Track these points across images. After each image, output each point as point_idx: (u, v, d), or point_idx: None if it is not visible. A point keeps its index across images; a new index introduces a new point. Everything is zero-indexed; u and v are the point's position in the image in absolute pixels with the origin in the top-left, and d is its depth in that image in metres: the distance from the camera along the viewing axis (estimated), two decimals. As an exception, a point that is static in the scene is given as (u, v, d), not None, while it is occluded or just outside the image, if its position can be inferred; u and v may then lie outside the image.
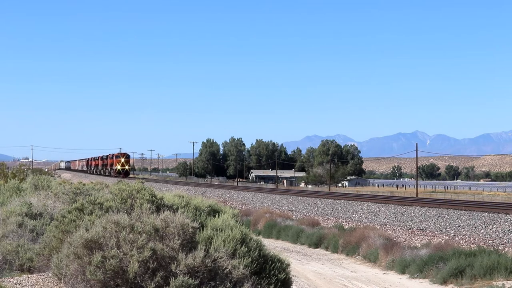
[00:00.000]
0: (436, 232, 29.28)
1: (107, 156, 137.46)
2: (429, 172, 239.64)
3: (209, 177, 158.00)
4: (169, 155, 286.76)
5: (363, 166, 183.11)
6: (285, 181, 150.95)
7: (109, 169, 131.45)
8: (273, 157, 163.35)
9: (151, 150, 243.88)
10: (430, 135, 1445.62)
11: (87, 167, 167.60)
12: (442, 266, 19.88)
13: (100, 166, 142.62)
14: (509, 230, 26.68)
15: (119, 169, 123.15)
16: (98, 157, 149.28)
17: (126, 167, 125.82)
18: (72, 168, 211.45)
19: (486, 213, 29.93)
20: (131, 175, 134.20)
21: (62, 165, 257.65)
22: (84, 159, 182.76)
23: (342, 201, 43.20)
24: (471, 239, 26.64)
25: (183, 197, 13.63)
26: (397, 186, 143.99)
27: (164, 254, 10.65)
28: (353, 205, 40.23)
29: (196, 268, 10.57)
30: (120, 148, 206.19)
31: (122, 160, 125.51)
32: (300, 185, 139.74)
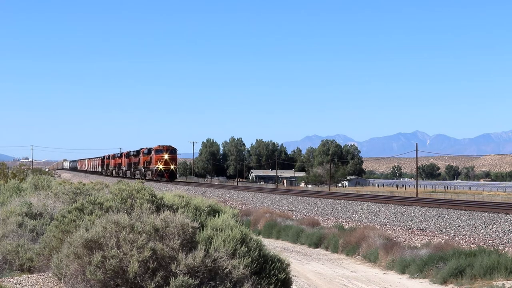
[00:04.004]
0: (436, 232, 29.26)
1: (137, 151, 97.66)
2: (429, 172, 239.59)
3: (209, 177, 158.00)
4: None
5: (363, 166, 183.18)
6: (285, 181, 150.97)
7: (142, 169, 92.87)
8: (273, 157, 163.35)
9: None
10: (430, 135, 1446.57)
11: (102, 167, 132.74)
12: (442, 266, 19.88)
13: (125, 165, 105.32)
14: (509, 230, 26.67)
15: (161, 170, 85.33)
16: (122, 154, 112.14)
17: (172, 166, 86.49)
18: (79, 169, 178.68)
19: (486, 213, 29.90)
20: (178, 179, 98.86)
21: (66, 164, 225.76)
22: (97, 158, 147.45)
23: (342, 201, 43.17)
24: (471, 239, 26.63)
25: (183, 197, 13.62)
26: (397, 186, 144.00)
27: (164, 254, 10.65)
28: (353, 205, 40.21)
29: (196, 268, 10.57)
30: (120, 148, 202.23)
31: (166, 156, 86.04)
32: (300, 185, 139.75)
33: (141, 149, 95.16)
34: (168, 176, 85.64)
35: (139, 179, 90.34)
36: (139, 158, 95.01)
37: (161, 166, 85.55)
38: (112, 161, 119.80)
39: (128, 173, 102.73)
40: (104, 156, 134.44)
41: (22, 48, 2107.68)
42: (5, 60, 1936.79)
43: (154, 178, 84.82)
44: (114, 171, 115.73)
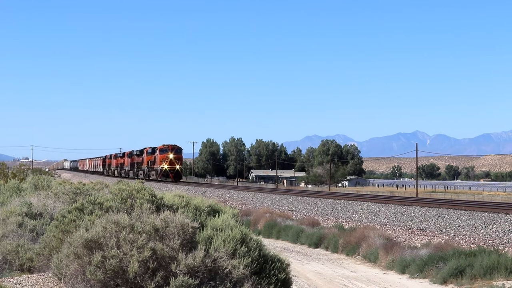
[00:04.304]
0: (436, 232, 29.26)
1: (141, 151, 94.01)
2: (429, 172, 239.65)
3: (209, 177, 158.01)
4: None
5: (363, 166, 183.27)
6: (285, 181, 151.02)
7: (146, 169, 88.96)
8: (273, 157, 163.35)
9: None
10: (430, 135, 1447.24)
11: (103, 167, 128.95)
12: (442, 266, 19.88)
13: (128, 165, 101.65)
14: (509, 230, 26.67)
15: (166, 170, 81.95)
16: (124, 154, 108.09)
17: (177, 166, 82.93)
18: (80, 169, 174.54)
19: (486, 213, 29.90)
20: (183, 180, 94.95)
21: (67, 164, 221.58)
22: (99, 158, 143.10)
23: (342, 201, 43.15)
24: (471, 239, 26.62)
25: (183, 197, 13.63)
26: (397, 186, 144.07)
27: (164, 254, 10.64)
28: (353, 205, 40.19)
29: (196, 268, 10.57)
30: (120, 148, 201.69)
31: (171, 155, 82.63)
32: (300, 185, 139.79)
33: (145, 148, 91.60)
34: (173, 176, 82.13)
35: (142, 179, 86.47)
36: (143, 158, 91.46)
37: (166, 166, 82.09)
38: (114, 161, 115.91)
39: (131, 173, 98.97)
40: (105, 156, 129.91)
41: (22, 48, 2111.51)
42: (5, 60, 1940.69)
43: (159, 179, 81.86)
44: (116, 171, 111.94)
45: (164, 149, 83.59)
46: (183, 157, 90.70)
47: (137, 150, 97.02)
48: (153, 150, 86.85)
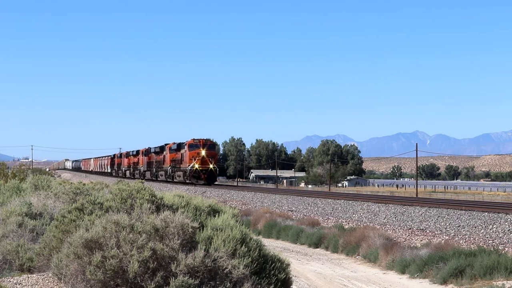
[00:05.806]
0: (436, 232, 29.25)
1: (161, 147, 79.63)
2: (429, 172, 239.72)
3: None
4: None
5: (363, 166, 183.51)
6: (285, 181, 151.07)
7: (169, 170, 74.33)
8: (273, 157, 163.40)
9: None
10: (430, 135, 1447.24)
11: (112, 167, 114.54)
12: (442, 266, 19.87)
13: (144, 165, 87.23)
14: (509, 230, 26.66)
15: (197, 170, 65.72)
16: (139, 151, 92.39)
17: (211, 165, 66.79)
18: (84, 169, 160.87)
19: (486, 213, 29.88)
20: (217, 182, 78.72)
21: (68, 164, 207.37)
22: (105, 157, 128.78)
23: (342, 201, 43.12)
24: (471, 239, 26.61)
25: (183, 197, 13.63)
26: (397, 186, 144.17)
27: (164, 254, 10.64)
28: (353, 205, 40.18)
29: (196, 268, 10.56)
30: (120, 148, 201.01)
31: (203, 152, 66.23)
32: (300, 185, 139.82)
33: (167, 144, 77.03)
34: (206, 178, 66.44)
35: (164, 181, 73.46)
36: (164, 156, 76.95)
37: (197, 165, 65.83)
38: (125, 160, 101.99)
39: (148, 174, 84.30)
40: (114, 155, 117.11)
41: (22, 48, 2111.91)
42: (5, 60, 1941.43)
43: (188, 181, 67.59)
44: (128, 172, 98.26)
45: (194, 145, 67.24)
46: (217, 155, 76.41)
47: (155, 147, 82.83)
48: (179, 146, 71.76)
